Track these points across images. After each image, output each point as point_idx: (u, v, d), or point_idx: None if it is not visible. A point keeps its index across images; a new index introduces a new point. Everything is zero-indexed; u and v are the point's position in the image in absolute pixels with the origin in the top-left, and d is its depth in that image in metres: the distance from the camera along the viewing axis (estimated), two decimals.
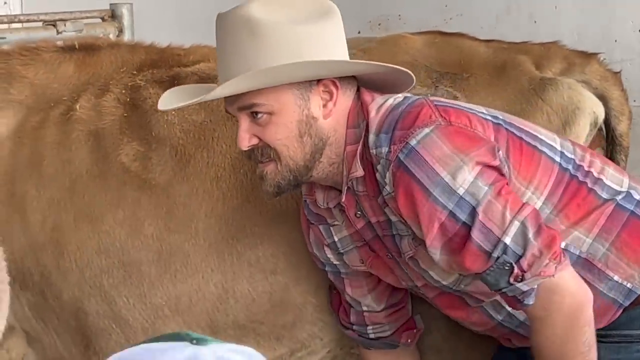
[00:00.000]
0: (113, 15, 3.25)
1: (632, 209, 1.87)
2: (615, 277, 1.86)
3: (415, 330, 2.11)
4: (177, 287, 2.25)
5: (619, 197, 1.87)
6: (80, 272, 2.29)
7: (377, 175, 1.82)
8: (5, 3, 3.89)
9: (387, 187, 1.79)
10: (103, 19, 3.26)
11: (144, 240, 2.27)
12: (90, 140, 2.32)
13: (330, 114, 1.84)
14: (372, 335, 2.12)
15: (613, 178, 1.90)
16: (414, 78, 1.87)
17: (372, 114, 1.82)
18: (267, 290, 2.20)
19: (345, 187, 1.88)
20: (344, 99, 1.85)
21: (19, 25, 3.29)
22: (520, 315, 1.85)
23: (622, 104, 2.28)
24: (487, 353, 2.13)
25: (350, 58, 1.99)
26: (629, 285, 1.86)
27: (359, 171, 1.84)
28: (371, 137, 1.82)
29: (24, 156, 2.37)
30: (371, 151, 1.81)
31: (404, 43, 2.35)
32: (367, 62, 1.96)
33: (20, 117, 2.38)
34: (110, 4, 3.27)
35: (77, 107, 2.34)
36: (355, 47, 2.19)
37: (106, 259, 2.27)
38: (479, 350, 2.17)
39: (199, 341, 0.79)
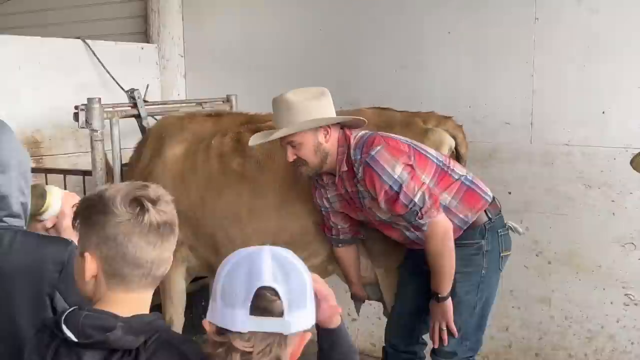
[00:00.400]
0: (227, 99, 4.25)
1: (468, 184, 2.73)
2: (460, 216, 2.68)
3: (361, 235, 3.01)
4: (255, 226, 3.10)
5: (462, 178, 2.72)
6: (212, 219, 3.23)
7: (354, 169, 2.62)
8: (178, 95, 4.75)
9: (359, 175, 2.59)
10: (223, 102, 4.24)
11: (241, 205, 3.16)
12: (218, 157, 3.26)
13: (328, 141, 2.62)
14: (341, 237, 3.00)
15: (460, 169, 2.77)
16: (366, 121, 2.71)
17: (353, 142, 2.65)
18: (299, 228, 3.07)
19: (337, 175, 2.69)
20: (335, 133, 2.64)
21: (184, 104, 4.21)
22: (419, 234, 2.62)
23: (462, 141, 3.11)
24: (401, 252, 2.99)
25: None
26: (465, 219, 2.70)
27: (344, 167, 2.65)
28: (352, 152, 2.62)
29: (188, 164, 3.30)
30: (352, 158, 2.61)
31: (361, 112, 3.07)
32: (342, 116, 2.75)
33: (187, 145, 3.34)
34: (227, 95, 4.27)
35: (213, 142, 3.28)
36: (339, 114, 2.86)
37: (224, 213, 3.20)
38: (396, 250, 2.99)
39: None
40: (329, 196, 2.90)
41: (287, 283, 1.23)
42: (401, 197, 2.53)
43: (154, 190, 1.42)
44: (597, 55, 3.47)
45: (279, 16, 4.42)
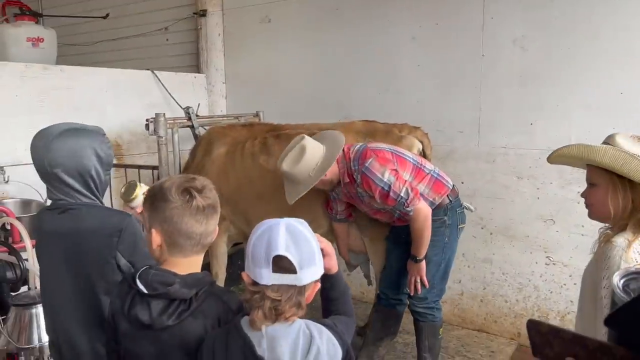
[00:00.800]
0: (257, 114, 4.37)
1: (436, 176, 2.73)
2: (430, 199, 2.70)
3: (352, 217, 3.04)
4: (276, 206, 2.93)
5: (431, 172, 2.73)
6: (246, 200, 3.22)
7: (354, 177, 2.65)
8: (221, 111, 4.74)
9: (358, 181, 2.63)
10: (253, 116, 4.35)
11: (265, 190, 3.11)
12: (250, 155, 3.26)
13: (328, 175, 2.68)
14: (338, 217, 3.05)
15: (429, 165, 2.77)
16: (343, 145, 2.65)
17: (351, 155, 2.68)
18: (307, 208, 2.90)
19: (342, 184, 2.75)
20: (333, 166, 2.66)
21: (225, 118, 4.31)
22: (404, 216, 2.63)
23: (428, 144, 3.12)
24: (382, 226, 2.99)
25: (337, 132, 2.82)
26: (434, 201, 2.72)
27: (346, 179, 2.71)
28: (351, 164, 2.66)
29: (229, 161, 3.32)
30: (351, 168, 2.66)
31: (353, 124, 3.18)
32: (331, 156, 2.64)
33: (227, 147, 3.36)
34: (256, 111, 4.39)
35: (247, 145, 3.29)
36: (337, 127, 3.08)
37: (254, 195, 3.20)
38: (377, 225, 3.01)
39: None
40: (336, 191, 2.92)
41: (297, 249, 1.22)
42: (391, 194, 2.54)
43: (200, 181, 1.44)
44: (527, 82, 3.48)
45: (294, 54, 4.45)
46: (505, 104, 3.56)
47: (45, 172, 1.70)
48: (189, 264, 1.43)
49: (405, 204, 2.55)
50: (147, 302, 1.36)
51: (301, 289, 1.25)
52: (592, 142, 3.16)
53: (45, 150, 1.67)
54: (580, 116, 3.32)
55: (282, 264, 1.21)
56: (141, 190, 2.08)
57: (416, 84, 3.86)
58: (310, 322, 1.29)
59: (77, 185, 1.71)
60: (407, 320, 3.55)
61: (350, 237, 3.21)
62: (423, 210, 2.59)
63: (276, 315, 1.23)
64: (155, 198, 1.42)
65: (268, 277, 1.21)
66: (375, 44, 4.00)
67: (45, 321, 1.86)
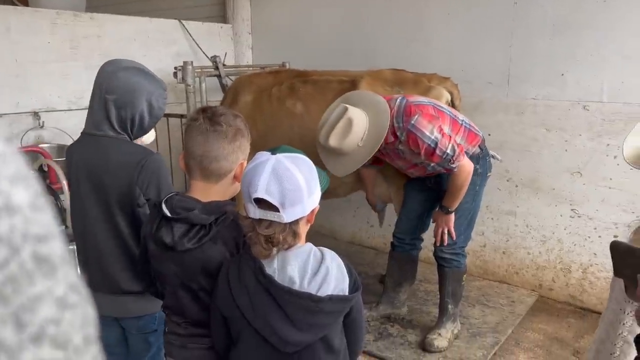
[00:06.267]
0: (282, 64, 4.32)
1: (467, 127, 2.70)
2: (465, 150, 2.64)
3: (381, 164, 2.95)
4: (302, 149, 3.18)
5: (464, 122, 2.70)
6: (273, 144, 2.83)
7: (397, 134, 2.56)
8: (247, 62, 4.75)
9: (402, 138, 2.55)
10: (279, 67, 4.25)
11: (293, 134, 3.10)
12: (277, 100, 3.26)
13: None
14: (366, 163, 2.74)
15: (461, 115, 2.73)
16: (388, 109, 2.53)
17: (393, 112, 2.55)
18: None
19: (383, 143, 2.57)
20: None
21: (250, 68, 4.36)
22: (439, 168, 2.59)
23: (456, 95, 3.07)
24: (406, 176, 2.99)
25: (362, 76, 2.94)
26: (468, 152, 2.68)
27: (390, 138, 2.58)
28: (394, 120, 2.55)
29: (256, 106, 3.33)
30: (394, 125, 2.56)
31: (382, 72, 3.13)
32: (382, 125, 2.51)
33: (254, 95, 3.37)
34: (282, 62, 4.35)
35: (273, 90, 3.29)
36: (365, 75, 3.07)
37: (281, 138, 3.06)
38: (402, 175, 2.99)
39: (273, 150, 1.26)
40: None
41: (279, 190, 1.19)
42: (437, 151, 2.50)
43: (218, 110, 1.47)
44: (560, 31, 3.36)
45: (320, 4, 4.37)
46: (536, 54, 3.45)
47: (98, 94, 1.73)
48: (203, 191, 1.45)
49: (451, 161, 2.53)
50: (171, 226, 1.41)
51: (293, 221, 1.24)
52: (625, 93, 3.16)
53: (109, 74, 1.72)
54: (614, 67, 3.22)
55: (263, 203, 1.21)
56: None
57: (445, 33, 3.78)
58: (323, 248, 1.30)
59: (114, 118, 1.74)
60: (428, 270, 3.66)
61: (376, 185, 3.24)
62: (466, 167, 2.58)
63: (273, 245, 1.24)
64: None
65: (254, 211, 1.22)
66: None
67: (77, 245, 1.93)
